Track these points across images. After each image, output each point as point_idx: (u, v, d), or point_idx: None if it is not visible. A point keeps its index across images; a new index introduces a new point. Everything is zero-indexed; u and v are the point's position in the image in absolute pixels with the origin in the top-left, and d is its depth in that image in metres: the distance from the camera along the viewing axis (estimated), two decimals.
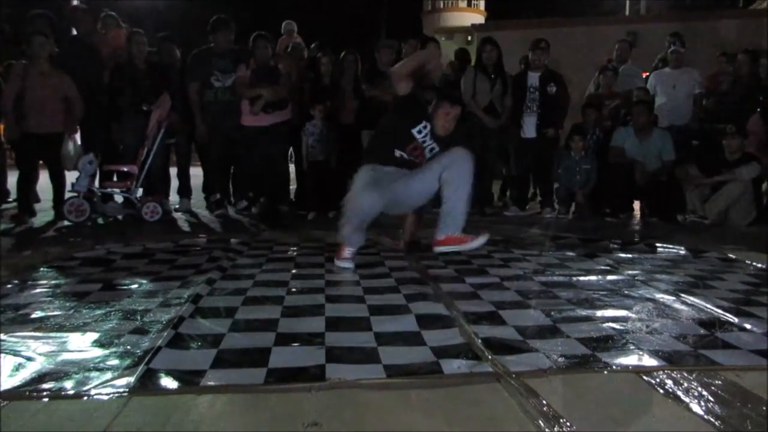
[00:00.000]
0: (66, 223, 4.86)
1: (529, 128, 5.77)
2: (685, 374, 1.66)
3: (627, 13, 18.34)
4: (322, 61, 5.58)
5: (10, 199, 6.21)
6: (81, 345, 1.90)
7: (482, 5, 25.78)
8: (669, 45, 6.63)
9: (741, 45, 6.96)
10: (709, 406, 1.47)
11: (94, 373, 1.65)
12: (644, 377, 1.66)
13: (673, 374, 1.66)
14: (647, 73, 6.56)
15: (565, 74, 6.17)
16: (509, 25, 11.24)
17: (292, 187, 6.15)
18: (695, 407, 1.47)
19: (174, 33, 6.34)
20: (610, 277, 2.93)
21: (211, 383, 1.60)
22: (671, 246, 3.85)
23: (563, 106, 5.82)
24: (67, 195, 5.08)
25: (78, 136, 5.51)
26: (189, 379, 1.62)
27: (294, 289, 2.65)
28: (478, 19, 22.15)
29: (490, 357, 1.77)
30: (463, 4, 25.55)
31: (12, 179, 5.64)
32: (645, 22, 10.75)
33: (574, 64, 8.02)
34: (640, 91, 5.99)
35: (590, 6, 19.39)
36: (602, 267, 3.19)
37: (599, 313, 2.30)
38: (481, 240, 3.19)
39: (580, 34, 10.11)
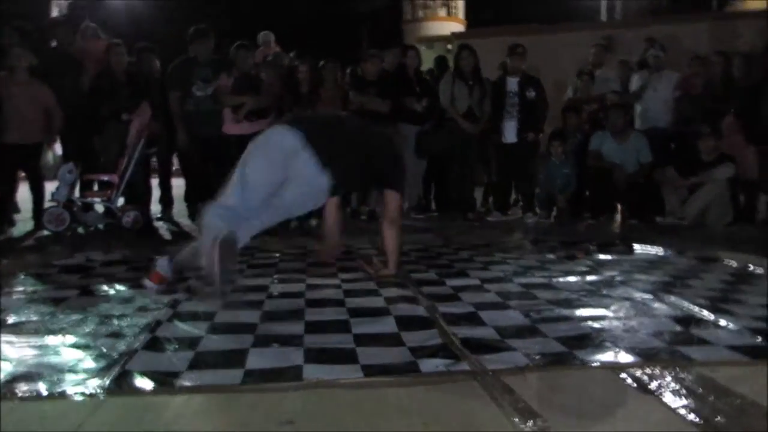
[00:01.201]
0: (45, 232, 4.79)
1: (510, 133, 5.81)
2: (660, 370, 1.68)
3: (604, 18, 18.58)
4: (301, 70, 5.58)
5: None
6: (56, 348, 1.88)
7: (461, 14, 26.02)
8: (647, 49, 6.73)
9: (715, 48, 7.08)
10: (684, 400, 1.48)
11: (68, 375, 1.64)
12: (620, 373, 1.67)
13: (648, 370, 1.68)
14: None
15: (545, 79, 6.24)
16: (488, 32, 11.30)
17: None
18: (670, 402, 1.48)
19: (153, 43, 6.32)
20: (589, 278, 2.95)
21: (187, 384, 1.59)
22: (650, 247, 3.88)
23: (542, 110, 5.88)
24: (47, 204, 5.02)
25: (58, 146, 5.47)
26: (164, 380, 1.61)
27: (274, 294, 2.64)
28: (458, 27, 22.31)
29: (468, 356, 1.78)
30: (442, 14, 25.77)
31: None
32: (621, 27, 10.87)
33: (553, 70, 8.09)
34: (615, 95, 6.06)
35: (568, 13, 19.62)
36: (581, 268, 3.21)
37: (577, 312, 2.31)
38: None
39: (557, 40, 10.18)
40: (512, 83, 5.80)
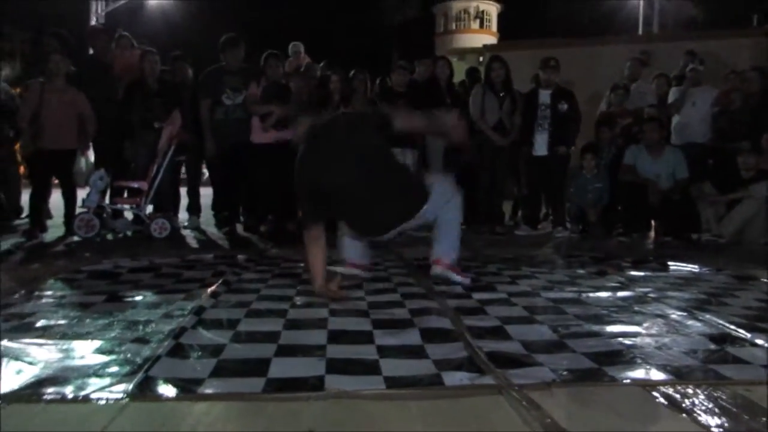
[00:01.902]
0: (76, 238, 4.91)
1: (541, 146, 5.77)
2: (693, 388, 1.63)
3: (640, 32, 18.40)
4: (332, 79, 5.64)
5: (22, 216, 6.29)
6: (82, 352, 1.91)
7: (494, 27, 26.04)
8: (687, 63, 6.63)
9: (754, 64, 6.95)
10: (717, 419, 1.44)
11: (93, 379, 1.66)
12: (651, 391, 1.63)
13: (680, 388, 1.64)
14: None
15: (580, 93, 6.20)
16: (521, 45, 11.30)
17: None
18: (703, 421, 1.44)
19: (188, 51, 6.46)
20: (620, 294, 2.90)
21: (209, 391, 1.60)
22: (685, 264, 3.81)
23: (575, 123, 5.83)
24: (78, 211, 5.14)
25: (90, 153, 5.60)
26: (187, 387, 1.62)
27: (298, 303, 2.65)
28: (490, 40, 22.32)
29: (493, 370, 1.76)
30: (475, 26, 25.82)
31: (25, 196, 5.72)
32: (658, 41, 10.76)
33: (588, 83, 8.04)
34: (652, 109, 5.99)
35: (604, 26, 19.51)
36: (613, 284, 3.16)
37: (608, 328, 2.27)
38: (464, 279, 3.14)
39: (593, 53, 10.12)
40: (544, 96, 5.77)
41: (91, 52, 6.04)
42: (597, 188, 5.61)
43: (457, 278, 3.10)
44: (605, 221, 5.65)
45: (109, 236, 5.15)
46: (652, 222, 5.65)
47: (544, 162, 5.76)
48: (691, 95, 5.97)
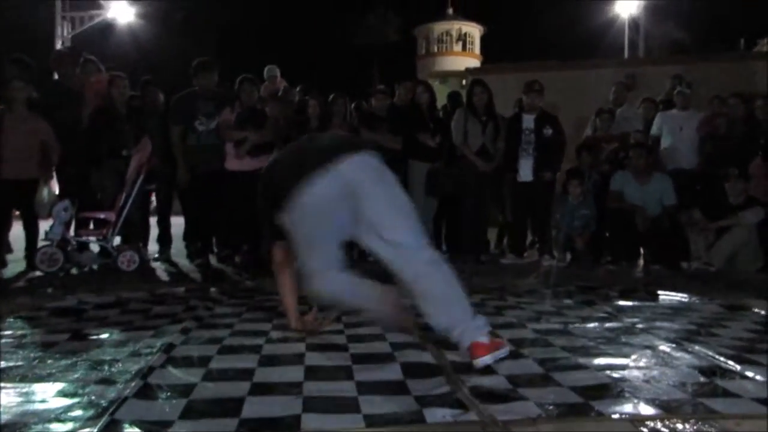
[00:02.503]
0: (38, 273, 4.84)
1: (525, 171, 5.84)
2: (683, 423, 1.66)
3: (626, 56, 18.85)
4: (310, 104, 5.69)
5: None
6: (44, 396, 1.88)
7: (477, 49, 26.49)
8: (674, 87, 6.80)
9: (741, 88, 7.15)
10: None
11: (55, 425, 1.64)
12: (640, 426, 1.65)
13: (669, 423, 1.66)
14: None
15: (566, 117, 6.32)
16: (505, 69, 11.52)
17: None
18: None
19: (158, 76, 6.49)
20: (608, 325, 2.94)
21: None
22: (674, 294, 3.87)
23: (560, 148, 5.93)
24: (40, 244, 5.08)
25: (54, 182, 5.56)
26: (155, 430, 1.60)
27: (273, 339, 2.65)
28: (473, 62, 22.70)
29: (476, 405, 1.77)
30: (457, 48, 26.26)
31: None
32: (644, 65, 11.04)
33: (574, 107, 8.20)
34: (638, 134, 6.12)
35: (589, 49, 19.95)
36: (600, 314, 3.20)
37: (595, 361, 2.30)
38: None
39: (578, 76, 10.37)
40: (528, 120, 5.87)
41: (56, 77, 6.04)
42: (584, 215, 5.68)
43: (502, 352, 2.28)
44: (593, 249, 5.71)
45: (74, 270, 5.09)
46: (641, 250, 5.73)
47: (529, 188, 5.83)
48: (678, 120, 6.11)
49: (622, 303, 3.58)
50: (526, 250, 6.19)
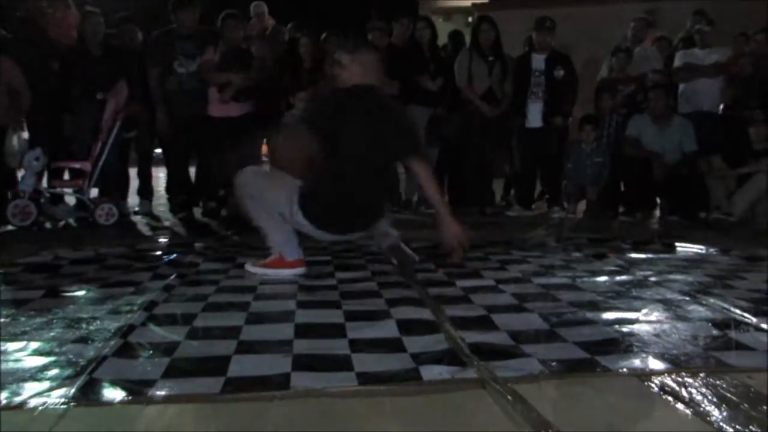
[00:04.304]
0: (9, 227, 4.85)
1: (534, 117, 5.82)
2: (691, 377, 1.69)
3: None
4: (302, 43, 5.61)
5: None
6: (17, 355, 1.91)
7: None
8: (693, 24, 6.69)
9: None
10: (715, 408, 1.50)
11: (30, 383, 1.67)
12: (647, 381, 1.68)
13: (677, 377, 1.69)
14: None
15: (578, 57, 6.24)
16: (514, 4, 11.27)
17: None
18: (700, 410, 1.49)
19: (136, 12, 6.37)
20: (618, 278, 2.98)
21: (161, 393, 1.62)
22: (690, 245, 3.90)
23: (572, 91, 5.88)
24: (11, 196, 5.08)
25: (24, 130, 5.52)
26: (136, 390, 1.63)
27: (262, 295, 2.68)
28: None
29: (475, 362, 1.80)
30: None
31: None
32: (664, 0, 10.81)
33: (587, 46, 8.10)
34: (657, 75, 6.04)
35: None
36: (611, 268, 3.24)
37: (603, 315, 2.33)
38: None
39: (593, 13, 10.18)
40: (538, 61, 5.81)
41: (20, 15, 5.92)
42: (597, 163, 5.67)
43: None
44: (606, 200, 5.73)
45: (48, 224, 5.10)
46: (657, 200, 5.74)
47: (538, 135, 5.81)
48: (698, 59, 6.03)
49: (635, 256, 3.61)
50: (535, 201, 6.21)
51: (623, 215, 5.59)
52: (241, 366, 1.81)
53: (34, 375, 1.73)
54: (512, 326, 2.19)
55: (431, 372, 1.74)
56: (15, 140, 5.04)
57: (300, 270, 3.09)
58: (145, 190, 6.01)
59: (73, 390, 1.61)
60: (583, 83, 6.19)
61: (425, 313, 2.34)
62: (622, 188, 5.85)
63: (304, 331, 2.15)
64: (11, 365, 1.82)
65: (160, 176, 6.09)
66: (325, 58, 5.64)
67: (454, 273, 3.11)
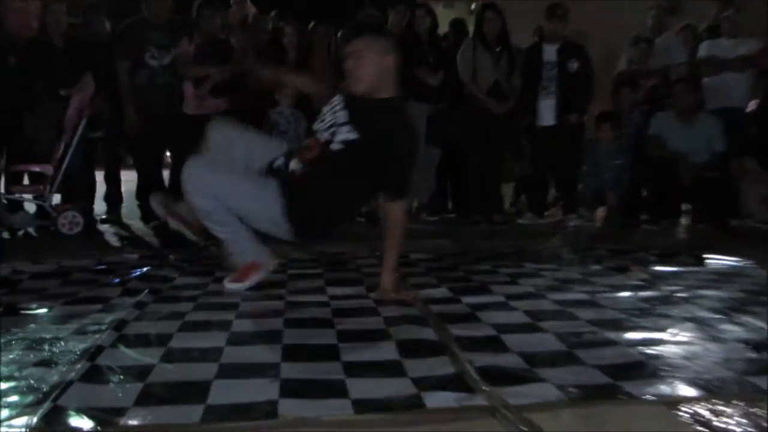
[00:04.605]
0: None
1: (546, 114, 5.84)
2: (726, 405, 1.69)
3: None
4: (286, 32, 5.63)
5: None
6: None
7: None
8: (720, 11, 6.72)
9: None
10: None
11: None
12: (676, 409, 1.68)
13: (710, 405, 1.69)
14: None
15: (593, 48, 6.26)
16: None
17: None
18: None
19: (103, 0, 6.38)
20: (643, 294, 2.98)
21: (134, 422, 1.62)
22: (722, 257, 3.91)
23: (588, 85, 5.90)
24: None
25: None
26: (106, 418, 1.62)
27: (245, 312, 2.68)
28: None
29: (485, 388, 1.79)
30: None
31: None
32: None
33: (603, 36, 8.12)
34: (682, 67, 6.07)
35: None
36: (634, 282, 3.25)
37: (626, 335, 2.33)
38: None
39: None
40: (550, 52, 5.84)
41: None
42: (617, 165, 5.69)
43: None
44: (627, 206, 5.74)
45: (5, 234, 5.09)
46: (684, 206, 5.76)
47: (551, 134, 5.84)
48: (725, 50, 6.05)
49: (660, 268, 3.62)
50: (548, 208, 6.22)
51: (647, 223, 5.59)
52: (223, 392, 1.80)
53: None
54: (525, 348, 2.19)
55: (436, 399, 1.74)
56: None
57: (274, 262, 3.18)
58: (114, 196, 6.00)
59: (35, 419, 1.60)
60: (600, 77, 6.21)
61: (428, 333, 2.34)
62: (645, 193, 5.87)
63: (292, 353, 2.14)
64: None
65: (129, 181, 6.05)
66: (313, 49, 5.67)
67: (460, 288, 3.11)
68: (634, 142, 5.84)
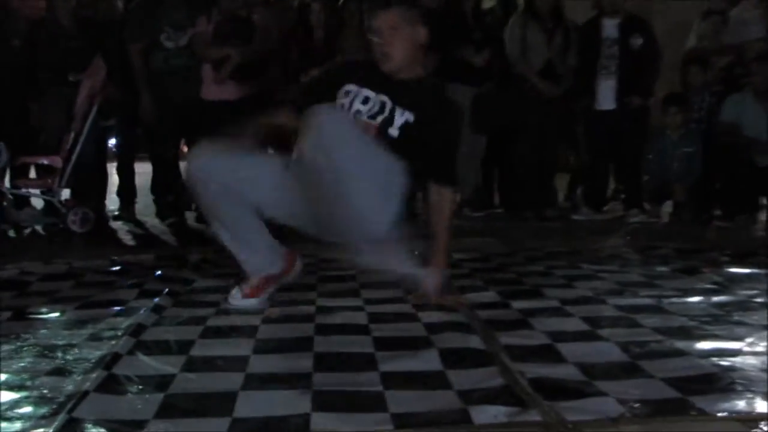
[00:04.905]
0: None
1: (606, 97, 5.79)
2: None
3: None
4: (314, 9, 5.65)
5: None
6: None
7: None
8: None
9: None
10: None
11: (1, 424, 1.71)
12: (752, 428, 1.67)
13: None
14: None
15: (657, 22, 6.20)
16: None
17: None
18: None
19: None
20: (716, 299, 2.96)
21: None
22: None
23: (653, 64, 5.84)
24: None
25: None
26: (124, 431, 1.67)
27: (272, 318, 2.71)
28: None
29: (539, 402, 1.80)
30: None
31: None
32: None
33: (669, 9, 8.04)
34: (760, 43, 5.98)
35: None
36: (706, 286, 3.22)
37: (697, 345, 2.32)
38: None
39: None
40: (610, 27, 5.78)
41: None
42: (685, 154, 5.63)
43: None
44: (697, 200, 5.68)
45: (12, 232, 5.20)
46: (762, 200, 5.68)
47: (611, 119, 5.79)
48: None
49: (735, 270, 3.58)
50: (607, 202, 6.17)
51: (719, 219, 5.53)
52: (251, 404, 1.83)
53: (4, 413, 1.77)
54: (583, 358, 2.19)
55: (484, 414, 1.74)
56: None
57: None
58: (127, 191, 6.08)
59: (51, 431, 1.65)
60: (667, 54, 6.14)
61: (474, 341, 2.35)
62: (718, 185, 5.80)
63: (325, 362, 2.17)
64: None
65: (144, 173, 6.13)
66: (343, 28, 5.69)
67: (509, 292, 3.11)
68: (705, 127, 5.77)
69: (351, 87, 2.95)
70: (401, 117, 2.86)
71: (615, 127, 5.80)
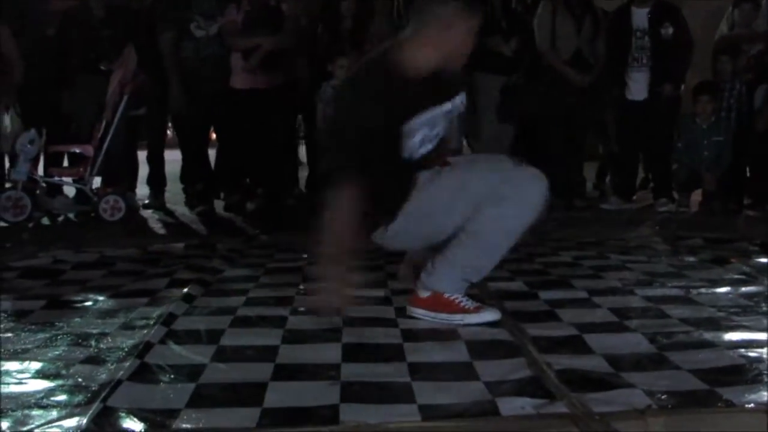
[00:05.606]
0: (1, 224, 5.03)
1: (637, 87, 5.74)
2: None
3: None
4: None
5: None
6: (19, 376, 2.00)
7: None
8: None
9: None
10: None
11: (35, 411, 1.74)
12: None
13: None
14: None
15: (689, 10, 6.13)
16: None
17: (302, 173, 6.23)
18: None
19: None
20: (745, 289, 2.94)
21: (187, 426, 1.68)
22: None
23: (684, 53, 5.77)
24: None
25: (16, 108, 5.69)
26: (158, 421, 1.69)
27: (301, 309, 2.73)
28: None
29: (566, 394, 1.80)
30: None
31: None
32: None
33: None
34: None
35: None
36: (735, 276, 3.20)
37: (726, 336, 2.32)
38: (486, 316, 2.53)
39: None
40: (640, 16, 5.72)
41: None
42: (716, 143, 5.57)
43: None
44: (728, 189, 5.63)
45: (45, 220, 5.26)
46: None
47: (641, 108, 5.74)
48: None
49: (764, 261, 3.54)
50: (636, 191, 6.13)
51: (749, 209, 5.47)
52: (280, 395, 1.85)
53: (39, 401, 1.81)
54: (610, 349, 2.19)
55: (511, 405, 1.75)
56: (6, 120, 5.19)
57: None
58: (157, 180, 6.14)
59: (85, 420, 1.67)
60: (698, 43, 6.07)
61: (502, 333, 2.36)
62: (748, 174, 5.74)
63: (354, 353, 2.19)
64: (12, 389, 1.90)
65: (173, 161, 6.17)
66: (373, 16, 5.68)
67: (537, 282, 3.11)
68: (736, 116, 5.71)
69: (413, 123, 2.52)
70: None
71: (645, 116, 5.74)
